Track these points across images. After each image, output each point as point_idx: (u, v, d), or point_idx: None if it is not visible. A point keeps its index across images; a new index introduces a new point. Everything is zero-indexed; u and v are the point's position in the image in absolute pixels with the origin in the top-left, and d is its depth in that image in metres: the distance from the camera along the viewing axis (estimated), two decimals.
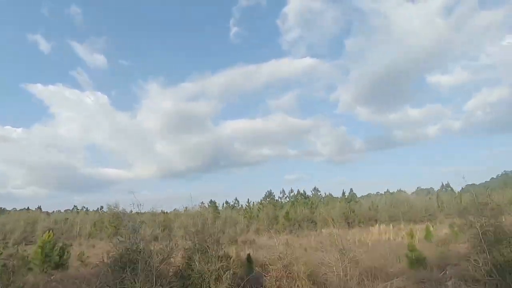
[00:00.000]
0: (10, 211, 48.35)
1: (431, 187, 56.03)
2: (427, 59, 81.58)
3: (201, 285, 6.69)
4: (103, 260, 6.50)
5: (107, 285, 5.74)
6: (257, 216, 33.02)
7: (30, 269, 11.57)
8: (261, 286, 7.03)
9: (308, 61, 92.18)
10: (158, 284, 5.84)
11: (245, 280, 7.24)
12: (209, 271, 6.73)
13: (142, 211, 7.34)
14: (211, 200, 36.15)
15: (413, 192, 37.35)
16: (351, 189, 42.33)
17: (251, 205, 38.50)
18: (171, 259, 6.80)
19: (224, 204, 46.27)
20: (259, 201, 44.78)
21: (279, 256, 7.10)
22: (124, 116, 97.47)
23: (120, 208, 40.00)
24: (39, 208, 50.55)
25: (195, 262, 6.82)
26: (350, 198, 37.74)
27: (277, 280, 6.73)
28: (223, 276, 6.70)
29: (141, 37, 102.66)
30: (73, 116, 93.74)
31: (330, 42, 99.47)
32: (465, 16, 77.74)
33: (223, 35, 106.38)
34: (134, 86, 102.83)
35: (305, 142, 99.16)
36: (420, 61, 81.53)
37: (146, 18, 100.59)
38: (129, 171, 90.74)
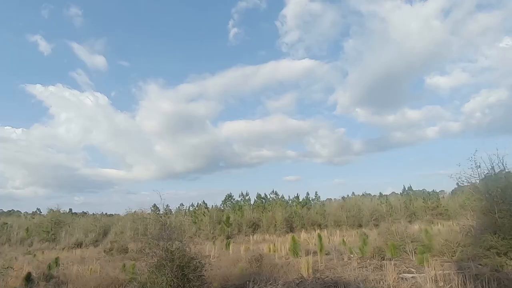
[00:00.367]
0: None
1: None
2: (425, 61, 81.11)
3: None
4: None
5: None
6: (201, 220, 31.28)
7: None
8: None
9: (307, 63, 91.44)
10: None
11: None
12: None
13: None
14: (154, 204, 34.20)
15: (362, 195, 35.94)
16: (308, 192, 40.83)
17: (201, 209, 36.72)
18: None
19: (190, 208, 44.28)
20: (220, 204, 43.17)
21: None
22: (123, 116, 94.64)
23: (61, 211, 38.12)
24: None
25: None
26: (305, 202, 36.29)
27: None
28: None
29: (140, 38, 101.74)
30: (73, 117, 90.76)
31: (329, 44, 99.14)
32: (463, 18, 77.74)
33: (222, 37, 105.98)
34: (134, 87, 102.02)
35: (304, 144, 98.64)
36: (418, 63, 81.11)
37: (145, 20, 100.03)
38: (129, 171, 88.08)
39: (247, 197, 38.83)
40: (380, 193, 36.49)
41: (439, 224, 21.20)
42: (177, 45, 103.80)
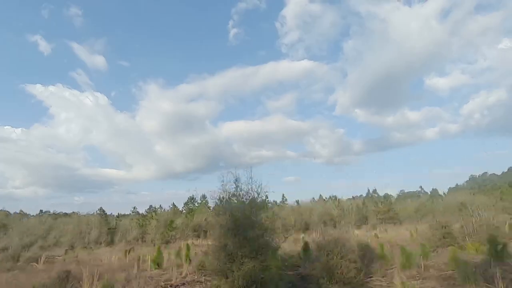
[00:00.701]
0: None
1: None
2: (425, 61, 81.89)
3: None
4: None
5: None
6: (149, 224, 29.77)
7: None
8: None
9: (307, 63, 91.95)
10: None
11: None
12: None
13: None
14: (100, 207, 32.72)
15: (311, 200, 35.00)
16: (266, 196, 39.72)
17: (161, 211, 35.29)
18: None
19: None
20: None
21: None
22: (123, 117, 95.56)
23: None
24: None
25: None
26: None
27: None
28: None
29: (140, 38, 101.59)
30: (73, 117, 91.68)
31: (329, 45, 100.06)
32: (462, 19, 78.52)
33: (222, 37, 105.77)
34: (134, 87, 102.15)
35: (304, 144, 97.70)
36: (418, 63, 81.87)
37: (145, 20, 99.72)
38: (129, 171, 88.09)
39: (204, 200, 37.45)
40: (335, 196, 35.41)
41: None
42: (177, 45, 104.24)
